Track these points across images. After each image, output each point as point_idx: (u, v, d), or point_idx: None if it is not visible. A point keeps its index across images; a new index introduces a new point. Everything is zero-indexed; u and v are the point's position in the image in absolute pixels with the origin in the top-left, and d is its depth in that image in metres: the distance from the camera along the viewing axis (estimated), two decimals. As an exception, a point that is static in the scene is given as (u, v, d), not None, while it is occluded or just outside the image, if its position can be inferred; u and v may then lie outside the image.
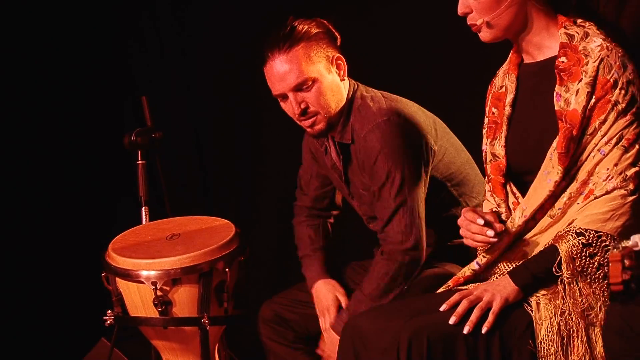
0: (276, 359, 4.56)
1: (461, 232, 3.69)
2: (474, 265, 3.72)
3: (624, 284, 2.70)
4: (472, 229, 3.61)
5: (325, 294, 4.45)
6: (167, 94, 6.16)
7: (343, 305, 4.46)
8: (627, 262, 2.67)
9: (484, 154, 3.85)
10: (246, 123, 6.24)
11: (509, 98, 3.77)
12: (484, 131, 3.88)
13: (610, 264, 2.68)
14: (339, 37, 4.41)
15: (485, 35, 3.70)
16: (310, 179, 4.70)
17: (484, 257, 3.70)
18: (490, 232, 3.55)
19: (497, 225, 3.59)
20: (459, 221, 3.70)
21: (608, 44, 3.57)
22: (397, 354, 3.43)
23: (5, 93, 6.35)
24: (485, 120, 3.87)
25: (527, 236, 3.66)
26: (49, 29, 6.55)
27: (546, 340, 3.46)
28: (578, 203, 3.54)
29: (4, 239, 6.14)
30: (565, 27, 3.64)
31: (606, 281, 3.48)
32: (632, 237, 2.71)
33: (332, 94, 4.28)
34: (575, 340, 3.46)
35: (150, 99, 5.16)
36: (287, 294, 4.60)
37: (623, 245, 2.71)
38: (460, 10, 3.71)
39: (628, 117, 3.50)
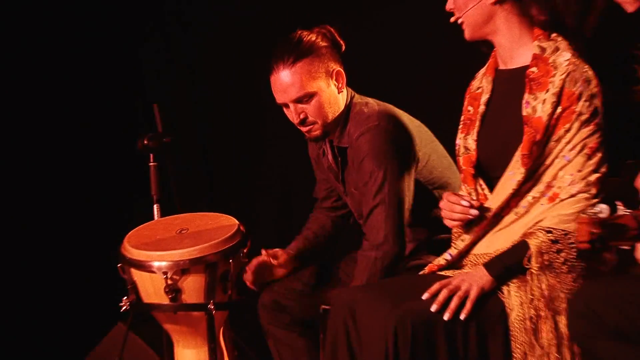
0: (275, 341, 4.62)
1: (442, 213, 3.78)
2: (446, 256, 3.80)
3: (590, 243, 2.80)
4: (455, 209, 3.69)
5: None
6: (177, 101, 6.10)
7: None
8: (593, 227, 2.78)
9: (457, 147, 3.92)
10: (247, 128, 6.22)
11: (484, 98, 3.84)
12: (460, 127, 3.94)
13: (578, 226, 2.80)
14: (343, 45, 4.48)
15: (465, 33, 3.81)
16: (319, 182, 4.79)
17: (455, 248, 3.80)
18: (474, 211, 3.65)
19: (475, 203, 3.69)
20: (441, 204, 3.78)
21: (575, 60, 3.64)
22: (384, 339, 3.48)
23: (31, 101, 6.35)
24: (462, 117, 3.93)
25: (493, 230, 3.73)
26: (67, 40, 6.53)
27: (517, 324, 3.53)
28: (542, 204, 3.62)
29: (35, 233, 6.18)
30: (539, 40, 3.72)
31: (571, 275, 3.56)
32: (597, 206, 2.87)
33: (329, 106, 4.37)
34: (543, 325, 3.52)
35: (160, 105, 5.21)
36: (284, 283, 4.63)
37: (589, 212, 2.85)
38: (447, 6, 3.83)
39: (591, 126, 3.58)
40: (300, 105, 4.34)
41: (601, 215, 2.85)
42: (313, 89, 4.32)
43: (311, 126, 4.38)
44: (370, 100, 4.49)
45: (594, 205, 3.31)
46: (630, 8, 3.50)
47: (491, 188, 3.74)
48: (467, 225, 3.79)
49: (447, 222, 3.80)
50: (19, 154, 6.30)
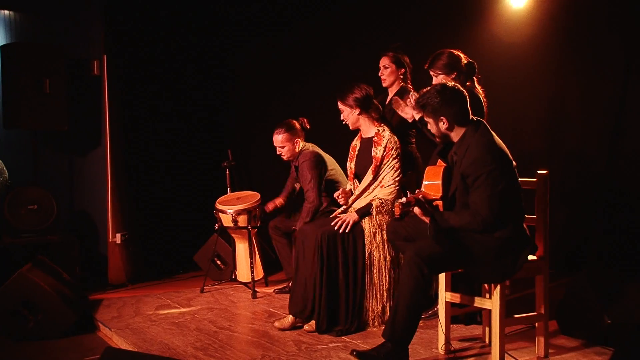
0: (275, 241, 4.52)
1: (336, 197, 3.77)
2: (341, 208, 3.79)
3: (400, 214, 2.80)
4: (339, 195, 3.72)
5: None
6: (237, 146, 5.44)
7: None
8: (399, 206, 2.78)
9: (347, 167, 3.86)
10: (263, 160, 5.58)
11: (357, 148, 3.81)
12: (348, 159, 3.85)
13: (395, 207, 2.77)
14: (308, 127, 4.32)
15: (349, 126, 3.80)
16: (292, 174, 4.54)
17: (345, 205, 3.78)
18: (346, 195, 3.71)
19: (349, 193, 3.74)
20: (335, 194, 3.79)
21: (390, 134, 3.68)
22: (315, 243, 3.54)
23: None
24: (349, 155, 3.84)
25: (359, 199, 3.74)
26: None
27: (367, 234, 3.58)
28: (377, 189, 3.68)
29: (181, 202, 5.84)
30: (376, 127, 3.72)
31: (387, 215, 3.59)
32: (402, 198, 2.82)
33: (293, 150, 4.28)
34: (377, 234, 3.57)
35: (231, 149, 5.04)
36: (280, 218, 4.54)
37: (399, 200, 2.81)
38: (341, 117, 3.78)
39: (396, 159, 3.65)
40: (280, 149, 4.27)
41: (402, 200, 2.80)
42: (287, 144, 4.25)
43: (284, 157, 4.30)
44: (309, 145, 4.33)
45: (398, 190, 3.64)
46: (409, 119, 3.57)
47: (360, 182, 3.75)
48: (348, 200, 3.78)
49: (340, 201, 3.77)
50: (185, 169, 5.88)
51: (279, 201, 4.62)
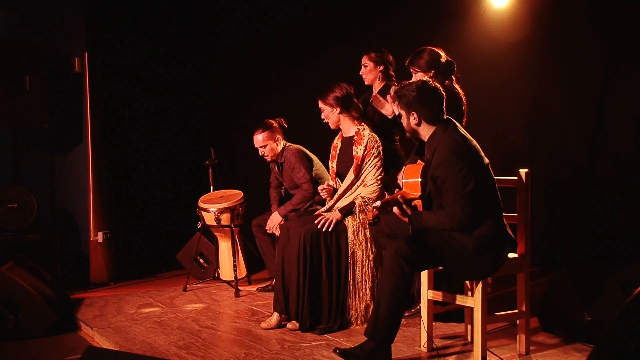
0: (259, 240, 4.51)
1: (320, 191, 3.83)
2: (325, 207, 3.79)
3: (373, 218, 2.89)
4: (323, 189, 3.77)
5: (272, 216, 4.34)
6: (220, 144, 5.55)
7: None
8: (375, 210, 2.86)
9: (329, 166, 3.90)
10: (247, 160, 5.70)
11: (338, 147, 3.84)
12: (330, 158, 3.88)
13: (368, 210, 2.84)
14: (286, 126, 4.36)
15: (330, 125, 3.82)
16: (272, 176, 4.57)
17: (328, 204, 3.80)
18: (330, 189, 3.77)
19: (331, 188, 3.78)
20: (319, 188, 3.84)
21: (371, 133, 3.70)
22: (298, 242, 3.54)
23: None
24: (330, 155, 3.87)
25: (342, 198, 3.75)
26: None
27: (350, 232, 3.59)
28: (360, 187, 3.69)
29: (166, 203, 5.87)
30: (357, 125, 3.74)
31: (370, 213, 3.57)
32: (377, 202, 2.92)
33: (275, 150, 4.34)
34: (360, 233, 3.60)
35: (213, 147, 5.00)
36: (264, 216, 4.47)
37: (374, 204, 2.91)
38: (322, 117, 3.78)
39: (377, 158, 3.66)
40: (262, 149, 4.32)
41: (377, 204, 2.88)
42: (267, 143, 4.30)
43: (267, 157, 4.35)
44: (291, 144, 4.40)
45: (381, 188, 3.67)
46: (389, 115, 3.56)
47: (342, 181, 3.77)
48: (332, 195, 3.81)
49: (323, 195, 3.84)
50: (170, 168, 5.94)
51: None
